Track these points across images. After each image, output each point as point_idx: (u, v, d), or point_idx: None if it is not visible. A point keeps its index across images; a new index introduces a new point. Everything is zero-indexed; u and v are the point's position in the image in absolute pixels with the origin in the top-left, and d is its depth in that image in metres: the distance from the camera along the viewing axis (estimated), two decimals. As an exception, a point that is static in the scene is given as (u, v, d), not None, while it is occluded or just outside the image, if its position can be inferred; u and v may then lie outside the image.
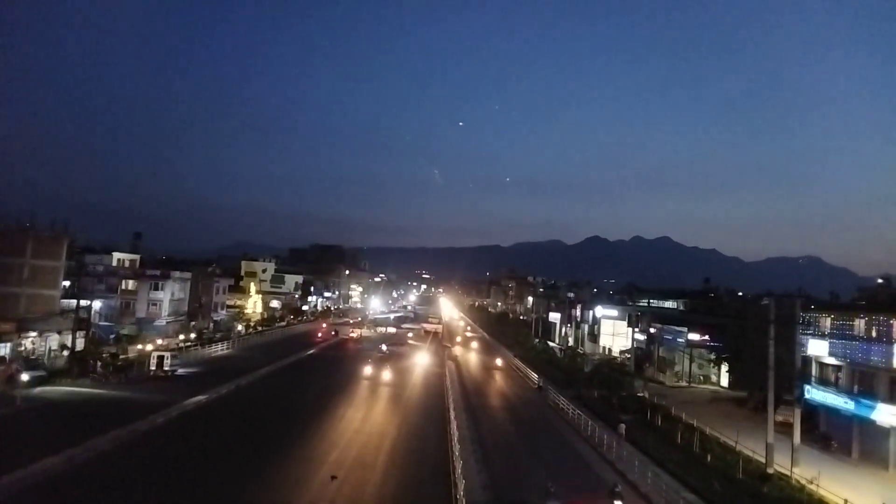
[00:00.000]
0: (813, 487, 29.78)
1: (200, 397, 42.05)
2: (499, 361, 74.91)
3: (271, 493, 25.04)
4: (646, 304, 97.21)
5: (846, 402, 38.46)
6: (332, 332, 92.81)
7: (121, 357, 52.68)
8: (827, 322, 42.90)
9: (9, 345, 46.80)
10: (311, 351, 74.00)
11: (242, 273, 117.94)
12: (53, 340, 52.23)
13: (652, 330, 74.36)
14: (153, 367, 49.00)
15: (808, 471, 31.27)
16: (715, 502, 27.32)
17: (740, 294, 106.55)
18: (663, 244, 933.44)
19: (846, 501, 26.03)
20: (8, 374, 41.64)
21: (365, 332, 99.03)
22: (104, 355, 51.20)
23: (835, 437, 40.03)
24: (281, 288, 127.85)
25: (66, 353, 50.25)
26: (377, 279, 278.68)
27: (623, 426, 40.54)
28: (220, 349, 67.66)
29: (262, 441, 32.84)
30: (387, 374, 54.78)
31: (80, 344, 50.28)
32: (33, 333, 49.89)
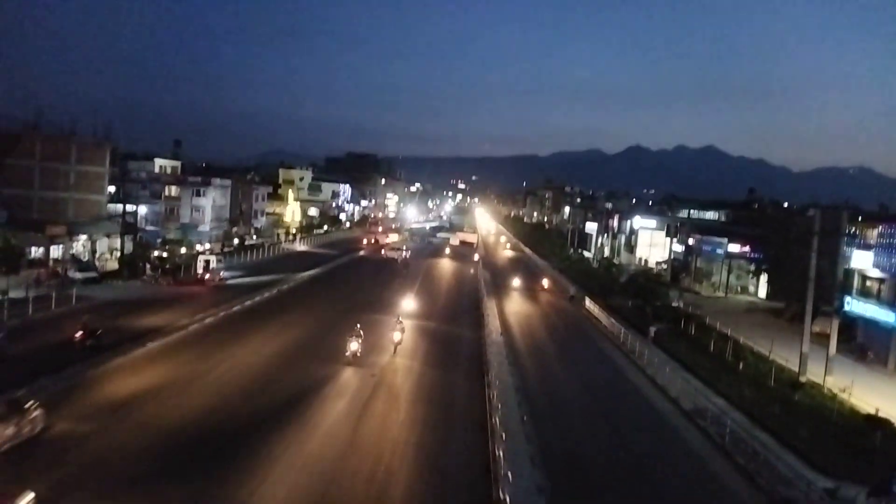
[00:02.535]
0: (844, 396, 29.90)
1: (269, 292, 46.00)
2: (524, 259, 75.43)
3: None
4: (686, 215, 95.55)
5: (887, 314, 37.88)
6: (374, 240, 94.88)
7: (168, 260, 54.54)
8: (873, 234, 41.59)
9: (61, 247, 48.75)
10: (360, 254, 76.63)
11: (280, 181, 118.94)
12: (102, 244, 54.22)
13: (690, 241, 73.40)
14: (200, 271, 50.73)
15: (842, 380, 31.27)
16: (744, 408, 27.72)
17: (785, 205, 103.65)
18: (708, 154, 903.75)
19: (878, 410, 26.11)
20: (49, 273, 43.51)
21: (396, 244, 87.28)
22: (153, 258, 53.15)
23: (872, 348, 39.73)
24: (318, 196, 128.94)
25: (115, 255, 52.22)
26: (412, 189, 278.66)
27: (652, 329, 40.93)
28: (263, 255, 69.56)
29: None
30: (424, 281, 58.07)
31: (128, 247, 52.15)
32: (83, 237, 51.79)
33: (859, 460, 21.47)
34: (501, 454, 17.78)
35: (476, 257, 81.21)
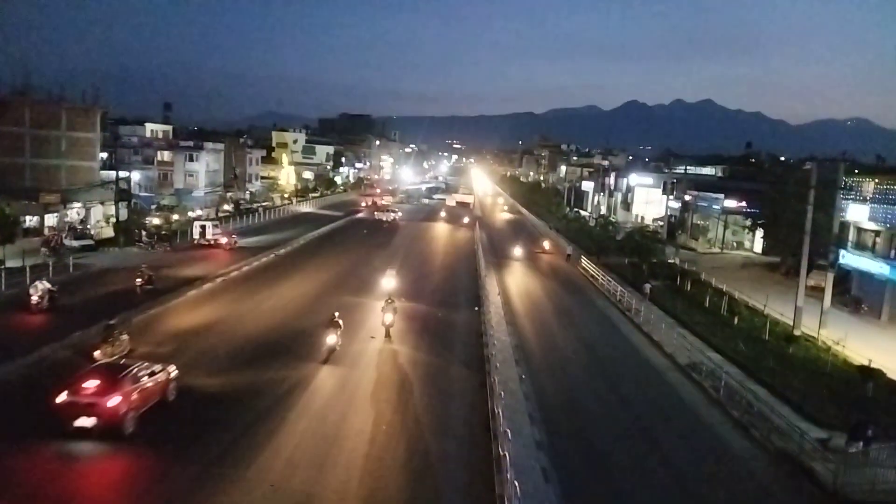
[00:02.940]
0: (839, 348, 30.32)
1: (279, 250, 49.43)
2: (520, 221, 75.43)
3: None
4: (682, 171, 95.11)
5: (881, 267, 38.14)
6: (372, 202, 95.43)
7: (164, 226, 54.39)
8: (870, 186, 41.58)
9: (55, 215, 48.49)
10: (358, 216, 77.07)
11: (273, 144, 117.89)
12: (97, 211, 53.94)
13: (687, 197, 73.26)
14: (196, 236, 50.68)
15: (836, 333, 31.63)
16: (739, 362, 28.11)
17: (782, 159, 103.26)
18: (705, 108, 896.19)
19: (870, 361, 26.50)
20: (58, 241, 43.45)
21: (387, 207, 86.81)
22: (148, 225, 52.98)
23: (866, 300, 40.12)
24: (312, 159, 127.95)
25: (110, 222, 52.02)
26: (408, 150, 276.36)
27: (648, 286, 41.24)
28: (259, 219, 69.43)
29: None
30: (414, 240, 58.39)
31: (122, 214, 51.92)
32: (77, 204, 51.48)
33: (852, 410, 21.87)
34: (500, 412, 18.07)
35: (465, 220, 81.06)
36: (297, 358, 23.51)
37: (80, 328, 24.30)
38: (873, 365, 26.07)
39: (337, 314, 24.53)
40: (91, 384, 16.44)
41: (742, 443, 20.34)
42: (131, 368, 17.61)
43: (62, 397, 16.14)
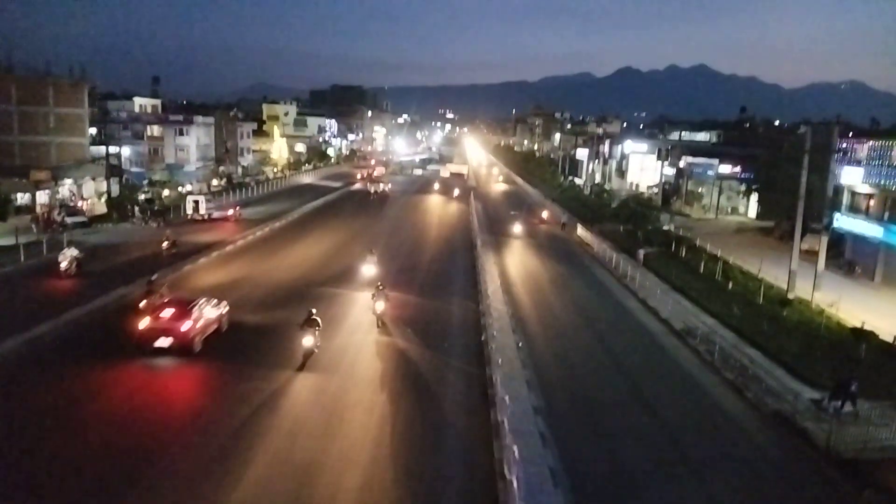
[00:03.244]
0: (832, 311, 30.60)
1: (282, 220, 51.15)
2: (514, 190, 75.15)
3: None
4: (677, 138, 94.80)
5: (875, 229, 38.32)
6: (367, 174, 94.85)
7: (156, 202, 54.05)
8: (864, 149, 41.53)
9: (47, 192, 48.10)
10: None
11: (264, 117, 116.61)
12: (88, 187, 53.49)
13: (681, 164, 73.16)
14: (190, 211, 50.42)
15: (830, 296, 31.93)
16: (733, 326, 28.36)
17: (777, 123, 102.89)
18: (700, 73, 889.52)
19: (863, 323, 26.78)
20: (53, 219, 43.21)
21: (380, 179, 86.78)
22: (140, 200, 52.61)
23: (859, 263, 40.39)
24: (304, 131, 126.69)
25: (102, 199, 51.65)
26: (400, 120, 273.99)
27: (641, 252, 41.41)
28: (253, 193, 69.00)
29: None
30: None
31: (114, 190, 51.51)
32: (68, 181, 51.01)
33: (845, 371, 22.13)
34: (498, 380, 18.23)
35: (457, 192, 79.41)
36: (323, 300, 27.20)
37: (118, 287, 27.45)
38: (866, 327, 26.35)
39: (314, 311, 21.16)
40: (167, 313, 20.47)
41: (736, 404, 20.63)
42: (197, 301, 21.54)
43: (144, 323, 20.25)
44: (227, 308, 23.18)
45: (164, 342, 19.79)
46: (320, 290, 29.37)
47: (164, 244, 35.79)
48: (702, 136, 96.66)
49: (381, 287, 24.84)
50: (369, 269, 31.85)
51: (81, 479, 13.32)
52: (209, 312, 21.71)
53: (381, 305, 24.33)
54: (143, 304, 23.26)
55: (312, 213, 57.56)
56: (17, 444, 14.58)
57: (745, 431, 18.89)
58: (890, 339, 25.74)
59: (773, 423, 19.24)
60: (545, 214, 63.19)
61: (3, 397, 17.11)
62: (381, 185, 78.28)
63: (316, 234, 46.09)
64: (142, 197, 54.74)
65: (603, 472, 15.78)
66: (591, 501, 14.37)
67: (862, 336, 25.67)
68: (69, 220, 44.08)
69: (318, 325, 20.77)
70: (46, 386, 17.79)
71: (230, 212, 51.35)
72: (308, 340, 20.26)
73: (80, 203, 50.05)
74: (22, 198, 45.58)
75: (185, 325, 20.08)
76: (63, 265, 29.47)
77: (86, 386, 17.91)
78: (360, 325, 24.81)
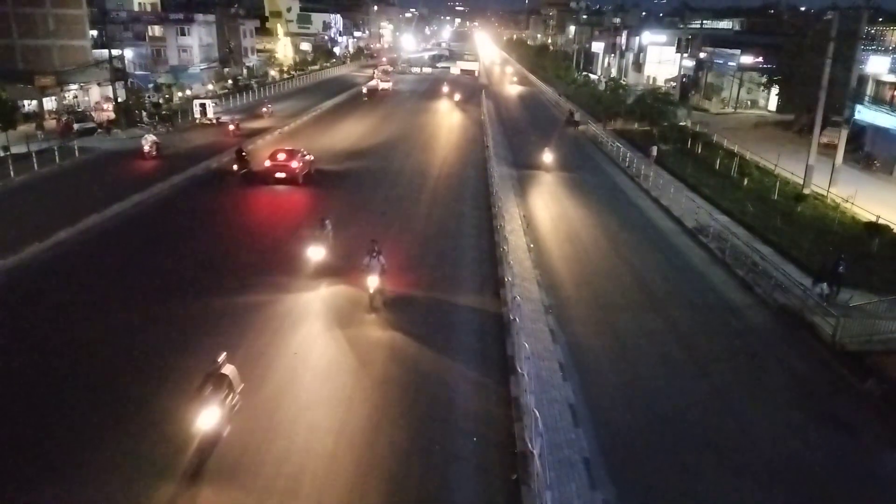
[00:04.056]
0: (847, 205, 30.34)
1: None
2: (525, 86, 73.10)
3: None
4: (698, 26, 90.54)
5: (898, 122, 37.26)
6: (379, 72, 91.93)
7: (163, 106, 53.30)
8: (894, 36, 39.60)
9: (53, 98, 47.56)
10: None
11: (266, 13, 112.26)
12: (94, 93, 52.77)
13: (701, 55, 70.35)
14: (197, 116, 49.81)
15: (847, 190, 31.51)
16: (746, 223, 28.28)
17: (803, 9, 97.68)
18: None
19: (878, 217, 26.60)
20: (64, 125, 42.93)
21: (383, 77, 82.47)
22: (148, 105, 51.90)
23: (878, 157, 39.60)
24: (308, 29, 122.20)
25: (109, 104, 50.99)
26: (408, 15, 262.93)
27: (654, 149, 40.66)
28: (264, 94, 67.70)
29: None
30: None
31: (120, 94, 50.74)
32: (74, 86, 50.34)
33: (857, 266, 22.24)
34: (510, 279, 18.61)
35: (457, 98, 73.93)
36: (380, 157, 39.56)
37: (207, 159, 35.91)
38: (881, 221, 26.22)
39: (328, 220, 20.91)
40: (282, 156, 31.44)
41: (745, 300, 20.95)
42: (299, 150, 32.72)
43: (267, 163, 31.15)
44: (313, 158, 33.58)
45: (280, 175, 30.81)
46: (370, 150, 41.31)
47: (231, 126, 44.34)
48: (724, 25, 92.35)
49: (375, 253, 17.59)
50: (317, 252, 20.20)
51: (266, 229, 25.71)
52: (306, 158, 32.41)
53: (374, 280, 17.67)
54: (234, 167, 32.14)
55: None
56: (209, 224, 26.06)
57: (752, 327, 19.27)
58: (904, 234, 25.65)
59: (780, 318, 19.61)
60: (548, 106, 61.68)
61: (187, 200, 29.18)
62: (382, 84, 75.84)
63: (350, 120, 53.61)
64: (149, 100, 53.93)
65: (609, 369, 16.25)
66: (601, 399, 14.94)
67: (876, 231, 25.59)
68: (76, 126, 43.81)
69: (329, 231, 20.54)
70: (212, 196, 29.85)
71: (264, 109, 53.94)
72: (316, 252, 19.99)
73: (105, 106, 49.02)
74: (29, 105, 45.13)
75: (294, 164, 31.03)
76: (146, 148, 35.51)
77: (242, 196, 30.11)
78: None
